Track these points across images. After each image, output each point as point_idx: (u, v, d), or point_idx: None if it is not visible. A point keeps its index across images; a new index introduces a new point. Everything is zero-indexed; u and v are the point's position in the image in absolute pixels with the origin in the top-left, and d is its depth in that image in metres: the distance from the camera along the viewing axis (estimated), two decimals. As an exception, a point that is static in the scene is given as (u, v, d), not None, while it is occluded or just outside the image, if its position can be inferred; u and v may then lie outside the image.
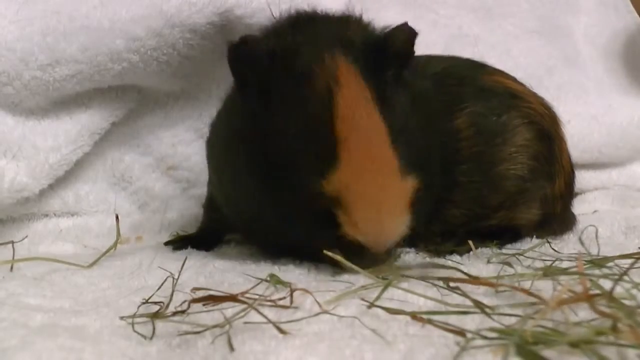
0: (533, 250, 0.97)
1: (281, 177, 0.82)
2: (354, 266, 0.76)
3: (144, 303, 0.70)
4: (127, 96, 1.37)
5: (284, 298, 0.69)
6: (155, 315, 0.65)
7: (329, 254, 0.76)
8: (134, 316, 0.65)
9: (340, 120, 0.79)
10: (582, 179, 1.64)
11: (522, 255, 0.93)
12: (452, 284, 0.71)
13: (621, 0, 2.03)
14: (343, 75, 0.80)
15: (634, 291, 0.63)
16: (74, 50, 1.23)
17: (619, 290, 0.62)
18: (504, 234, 1.07)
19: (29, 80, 1.23)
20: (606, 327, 0.53)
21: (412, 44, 0.88)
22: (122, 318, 0.66)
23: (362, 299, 0.68)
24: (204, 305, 0.68)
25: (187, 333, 0.60)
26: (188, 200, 1.44)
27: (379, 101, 0.81)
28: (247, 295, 0.69)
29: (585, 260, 0.81)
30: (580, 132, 1.65)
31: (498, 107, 1.06)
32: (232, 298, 0.68)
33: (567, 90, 1.80)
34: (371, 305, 0.66)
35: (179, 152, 1.43)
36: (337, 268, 0.82)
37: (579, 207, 1.29)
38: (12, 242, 1.06)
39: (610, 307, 0.58)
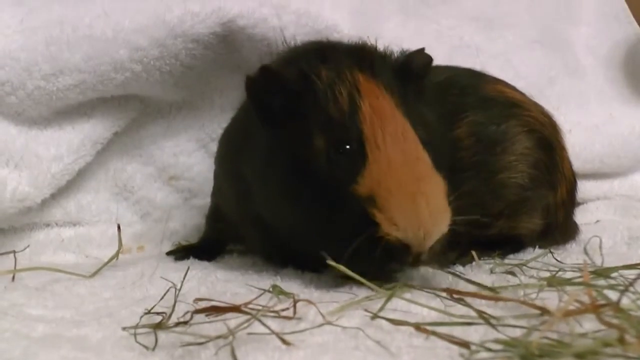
0: (536, 261, 0.96)
1: (317, 191, 0.81)
2: (356, 276, 0.75)
3: (146, 313, 0.70)
4: (130, 106, 1.37)
5: (287, 309, 0.69)
6: (157, 326, 0.64)
7: (333, 263, 0.75)
8: (136, 327, 0.65)
9: (366, 122, 0.79)
10: (584, 188, 1.64)
11: (525, 265, 0.92)
12: (455, 295, 0.71)
13: (622, 10, 2.03)
14: (365, 88, 0.82)
15: (640, 302, 0.63)
16: (77, 60, 1.23)
17: (625, 301, 0.61)
18: (506, 244, 1.06)
19: (33, 89, 1.23)
20: (613, 338, 0.53)
21: (429, 68, 0.93)
22: (124, 329, 0.65)
23: (366, 310, 0.68)
24: (206, 315, 0.67)
25: (190, 344, 0.59)
26: (190, 211, 1.43)
27: (403, 107, 0.83)
28: (250, 305, 0.69)
29: (589, 271, 0.80)
30: (581, 142, 1.65)
31: (498, 116, 1.06)
32: (235, 309, 0.68)
33: (568, 100, 1.80)
34: (375, 316, 0.66)
35: (180, 162, 1.43)
36: (339, 278, 0.82)
37: (581, 217, 1.29)
38: (14, 252, 1.05)
39: (616, 318, 0.58)
